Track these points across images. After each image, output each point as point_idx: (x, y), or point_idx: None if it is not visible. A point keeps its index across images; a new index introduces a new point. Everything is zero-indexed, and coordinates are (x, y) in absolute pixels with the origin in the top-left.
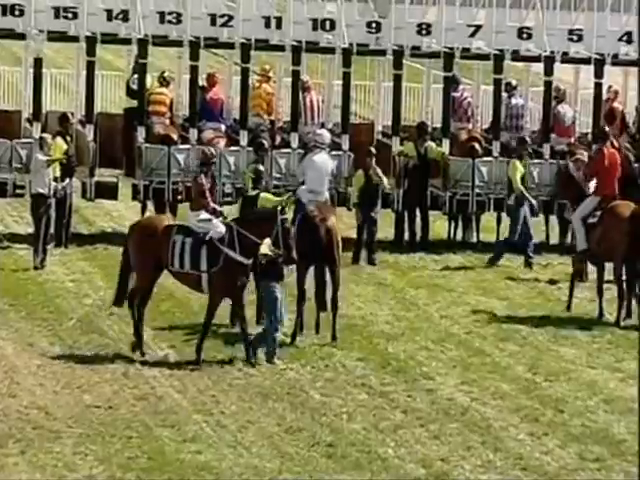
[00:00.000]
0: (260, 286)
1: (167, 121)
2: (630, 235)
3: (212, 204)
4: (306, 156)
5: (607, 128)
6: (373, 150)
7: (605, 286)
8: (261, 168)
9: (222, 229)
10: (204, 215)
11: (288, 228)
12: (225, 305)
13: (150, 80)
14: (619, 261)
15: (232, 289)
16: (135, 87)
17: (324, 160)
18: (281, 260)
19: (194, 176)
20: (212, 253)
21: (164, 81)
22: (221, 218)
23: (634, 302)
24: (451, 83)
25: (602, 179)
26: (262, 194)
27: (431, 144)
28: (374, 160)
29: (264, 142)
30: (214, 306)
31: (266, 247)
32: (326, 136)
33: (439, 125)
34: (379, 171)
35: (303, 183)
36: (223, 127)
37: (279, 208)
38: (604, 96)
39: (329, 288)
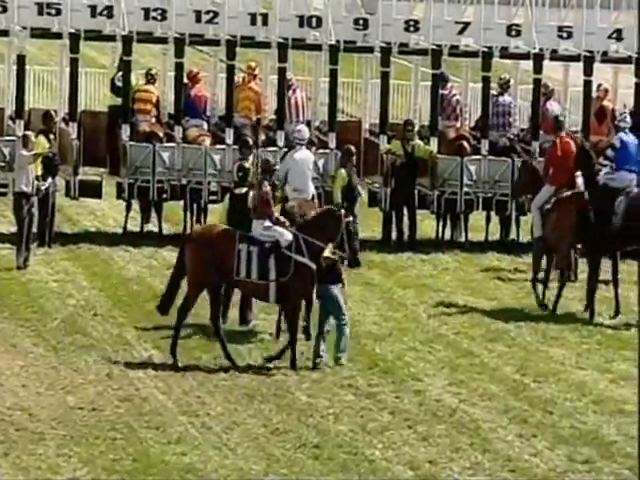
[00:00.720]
0: (321, 290)
1: (153, 119)
2: (578, 225)
3: (275, 212)
4: (287, 154)
5: (561, 118)
6: (353, 149)
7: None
8: (247, 165)
9: (289, 236)
10: (268, 223)
11: (352, 230)
12: (206, 305)
13: (134, 77)
14: (565, 250)
15: (306, 295)
16: (120, 84)
17: (305, 157)
18: (345, 262)
19: (258, 184)
20: (281, 262)
21: (151, 78)
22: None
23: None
24: (439, 81)
25: (556, 169)
26: (252, 193)
27: (419, 142)
28: (354, 159)
29: (248, 140)
30: (295, 314)
31: (328, 251)
32: (305, 132)
33: (427, 123)
34: (354, 177)
35: (285, 180)
36: (205, 125)
37: (343, 211)
38: (594, 94)
39: None
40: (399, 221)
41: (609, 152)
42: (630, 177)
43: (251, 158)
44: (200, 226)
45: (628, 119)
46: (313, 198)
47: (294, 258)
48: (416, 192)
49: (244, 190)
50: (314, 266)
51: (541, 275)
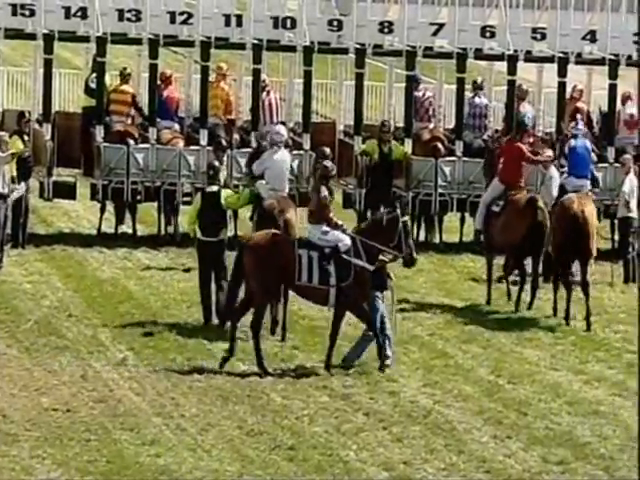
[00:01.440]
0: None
1: (128, 120)
2: (527, 227)
3: (333, 217)
4: (264, 154)
5: (526, 121)
6: (327, 151)
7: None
8: (216, 164)
9: (348, 241)
10: (326, 228)
11: (409, 230)
12: (182, 306)
13: (109, 78)
14: (511, 252)
15: (364, 299)
16: (93, 86)
17: (283, 157)
18: (402, 262)
19: (315, 189)
20: (341, 267)
21: (125, 76)
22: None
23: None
24: (412, 82)
25: (505, 166)
26: (224, 191)
27: (394, 143)
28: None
29: (222, 141)
30: (365, 316)
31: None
32: (283, 133)
33: (401, 124)
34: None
35: (261, 178)
36: (177, 126)
37: (398, 211)
38: (568, 95)
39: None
40: None
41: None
42: (580, 182)
43: (225, 159)
44: (257, 235)
45: (580, 126)
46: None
47: (353, 263)
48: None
49: (215, 189)
50: (372, 269)
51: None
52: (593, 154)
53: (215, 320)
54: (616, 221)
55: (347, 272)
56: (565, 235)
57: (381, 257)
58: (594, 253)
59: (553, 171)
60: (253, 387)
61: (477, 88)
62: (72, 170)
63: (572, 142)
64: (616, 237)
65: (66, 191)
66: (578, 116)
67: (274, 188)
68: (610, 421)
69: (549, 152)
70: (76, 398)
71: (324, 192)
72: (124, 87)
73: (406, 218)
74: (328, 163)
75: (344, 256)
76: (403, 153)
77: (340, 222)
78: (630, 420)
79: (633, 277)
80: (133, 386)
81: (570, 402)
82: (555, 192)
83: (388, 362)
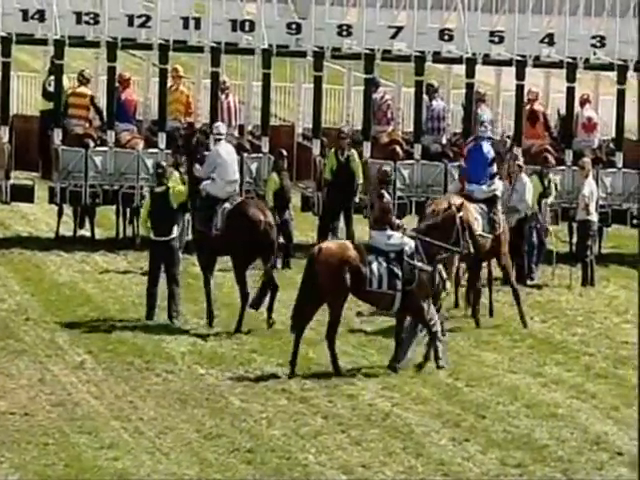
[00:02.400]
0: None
1: (87, 124)
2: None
3: (396, 220)
4: (210, 151)
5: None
6: (284, 152)
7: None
8: (164, 163)
9: (412, 243)
10: (390, 232)
11: (467, 224)
12: (142, 311)
13: (67, 81)
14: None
15: (425, 301)
16: (51, 89)
17: (229, 149)
18: (460, 255)
19: (378, 194)
20: (407, 271)
21: (83, 79)
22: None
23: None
24: (371, 85)
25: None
26: (173, 188)
27: (353, 153)
28: (286, 163)
29: (181, 144)
30: (424, 318)
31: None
32: (223, 127)
33: (360, 128)
34: (287, 181)
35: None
36: (134, 129)
37: (455, 207)
38: (526, 97)
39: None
40: (334, 228)
41: (462, 163)
42: (470, 188)
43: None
44: (326, 244)
45: (488, 127)
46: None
47: (418, 266)
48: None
49: (164, 188)
50: (431, 269)
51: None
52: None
53: (169, 319)
54: (574, 224)
55: (412, 276)
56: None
57: (439, 256)
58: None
59: (524, 177)
60: (211, 390)
61: (433, 92)
62: (30, 173)
63: (470, 147)
64: (574, 240)
65: (24, 194)
66: (486, 116)
67: (229, 180)
68: (568, 423)
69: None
70: (34, 402)
71: (386, 198)
72: (82, 90)
73: (462, 214)
74: (387, 168)
75: (409, 260)
76: (359, 165)
77: (401, 223)
78: (587, 422)
79: (591, 280)
80: (91, 389)
81: (528, 405)
82: (528, 197)
83: (441, 364)
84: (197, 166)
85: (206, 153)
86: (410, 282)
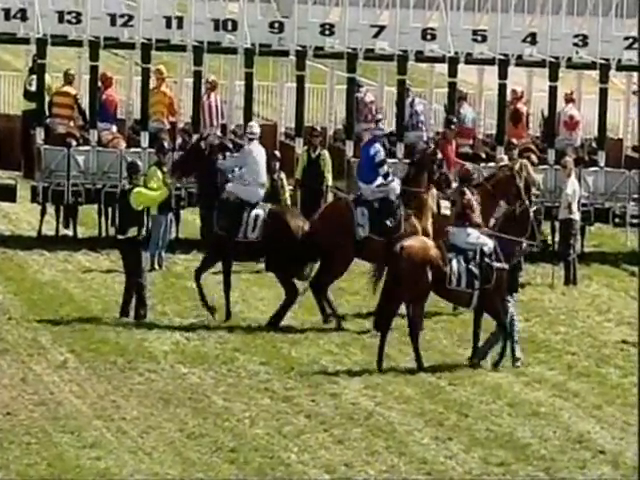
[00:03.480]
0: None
1: (71, 123)
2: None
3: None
4: (242, 148)
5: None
6: (277, 153)
7: None
8: (138, 162)
9: (492, 244)
10: (470, 230)
11: (540, 220)
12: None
13: (49, 80)
14: None
15: (501, 299)
16: (32, 89)
17: (261, 151)
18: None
19: (460, 191)
20: (485, 270)
21: (69, 78)
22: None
23: None
24: (355, 84)
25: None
26: (136, 189)
27: (324, 153)
28: (278, 164)
29: (164, 143)
30: (501, 316)
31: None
32: (256, 127)
33: (342, 126)
34: (284, 181)
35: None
36: (114, 128)
37: (527, 202)
38: (508, 97)
39: None
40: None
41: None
42: (362, 187)
43: (168, 162)
44: (408, 242)
45: (381, 129)
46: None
47: (495, 265)
48: (330, 195)
49: (130, 186)
50: (508, 267)
51: None
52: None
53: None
54: (557, 223)
55: (490, 274)
56: None
57: (517, 251)
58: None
59: None
60: (194, 390)
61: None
62: (12, 172)
63: (362, 145)
64: (556, 239)
65: (6, 193)
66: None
67: (258, 182)
68: (550, 422)
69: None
70: (16, 401)
71: (468, 195)
72: (67, 89)
73: (535, 208)
74: (470, 166)
75: (487, 260)
76: (328, 166)
77: (479, 221)
78: (570, 421)
79: (574, 279)
80: (74, 389)
81: (511, 403)
82: None
83: (519, 364)
84: (220, 160)
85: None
86: (487, 281)
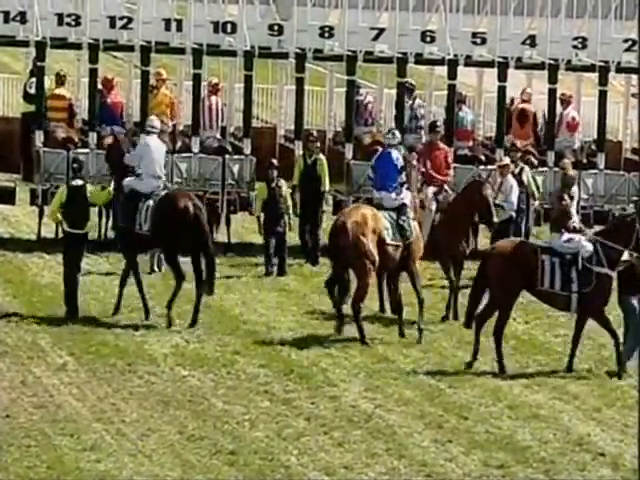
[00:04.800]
0: (622, 301)
1: (67, 125)
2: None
3: (575, 223)
4: (138, 142)
5: (439, 124)
6: (275, 162)
7: None
8: (81, 158)
9: (590, 247)
10: (567, 235)
11: None
12: (124, 313)
13: (48, 83)
14: (443, 260)
15: (604, 305)
16: (32, 91)
17: (158, 145)
18: None
19: (558, 196)
20: (583, 273)
21: (60, 79)
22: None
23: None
24: (355, 87)
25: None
26: (89, 187)
27: (321, 158)
28: (275, 172)
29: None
30: (606, 322)
31: (626, 254)
32: (157, 121)
33: (341, 129)
34: (284, 189)
35: (133, 172)
36: (122, 131)
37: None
38: (513, 99)
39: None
40: (304, 229)
41: (369, 172)
42: (378, 195)
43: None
44: (502, 242)
45: (397, 134)
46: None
47: (596, 270)
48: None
49: (80, 182)
50: (614, 274)
51: None
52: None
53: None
54: None
55: (589, 278)
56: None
57: (626, 256)
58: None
59: (511, 179)
60: (194, 392)
61: (409, 91)
62: (11, 175)
63: (378, 153)
64: None
65: (5, 196)
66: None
67: (153, 174)
68: (550, 425)
69: (507, 159)
70: (16, 404)
71: (566, 201)
72: (61, 92)
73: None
74: (571, 172)
75: (586, 264)
76: (326, 171)
77: (580, 225)
78: (570, 424)
79: None
80: (73, 391)
81: (511, 406)
82: (513, 199)
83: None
84: (127, 156)
85: None
86: (586, 284)
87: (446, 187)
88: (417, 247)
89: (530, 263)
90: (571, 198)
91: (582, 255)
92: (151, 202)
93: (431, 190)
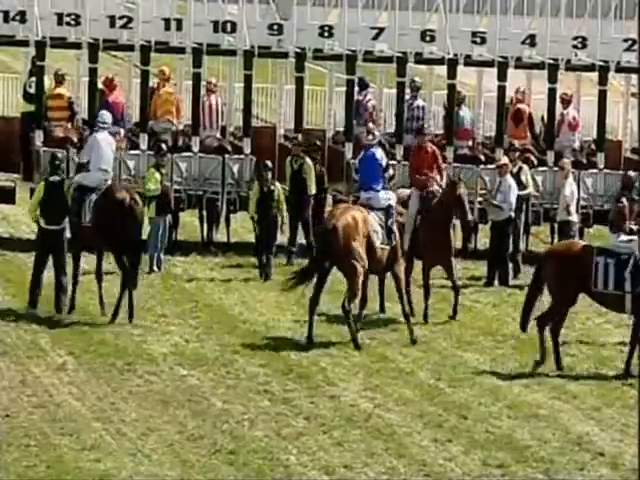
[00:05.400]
0: None
1: (68, 125)
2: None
3: (631, 224)
4: (88, 140)
5: (426, 125)
6: (269, 164)
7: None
8: (59, 155)
9: None
10: (624, 236)
11: None
12: (123, 312)
13: (48, 83)
14: (423, 262)
15: None
16: (31, 90)
17: (108, 139)
18: None
19: (616, 198)
20: (637, 273)
21: (60, 78)
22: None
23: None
24: (361, 86)
25: (415, 173)
26: (67, 182)
27: (307, 162)
28: (269, 174)
29: (163, 146)
30: None
31: None
32: (108, 116)
33: (342, 129)
34: (277, 191)
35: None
36: (122, 131)
37: None
38: (512, 98)
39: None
40: (295, 229)
41: (354, 174)
42: (366, 195)
43: (167, 164)
44: (558, 244)
45: (375, 133)
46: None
47: None
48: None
49: (58, 178)
50: None
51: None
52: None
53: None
54: (556, 225)
55: None
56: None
57: None
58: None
59: (509, 179)
60: (193, 391)
61: (415, 89)
62: (11, 175)
63: (362, 154)
64: (555, 241)
65: (5, 195)
66: (370, 125)
67: (102, 168)
68: (550, 424)
69: (505, 159)
70: (15, 403)
71: (623, 202)
72: (60, 91)
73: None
74: (632, 173)
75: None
76: (313, 175)
77: (634, 227)
78: (569, 423)
79: None
80: (73, 391)
81: (510, 405)
82: (512, 199)
83: None
84: (79, 155)
85: None
86: (638, 285)
87: (437, 188)
88: (398, 249)
89: (584, 265)
90: (632, 200)
91: (636, 256)
92: (94, 196)
93: (415, 193)
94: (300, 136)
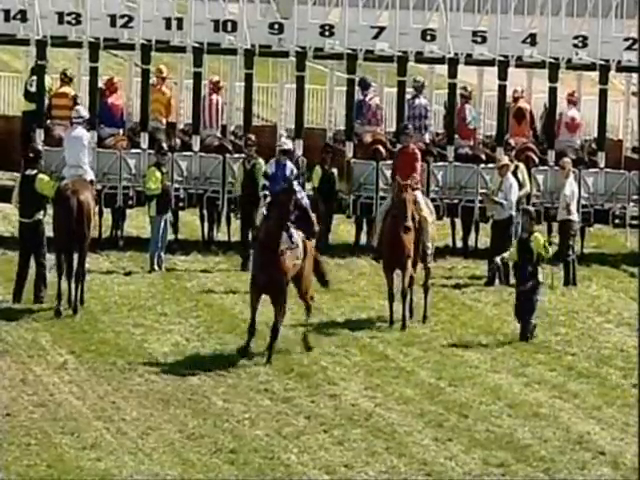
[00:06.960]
0: None
1: (69, 123)
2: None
3: None
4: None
5: (409, 127)
6: (252, 137)
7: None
8: (38, 147)
9: None
10: None
11: None
12: (124, 311)
13: (49, 82)
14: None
15: None
16: (33, 89)
17: (79, 134)
18: None
19: None
20: None
21: (66, 78)
22: None
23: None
24: (363, 85)
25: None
26: (40, 175)
27: (260, 162)
28: (253, 149)
29: (163, 145)
30: None
31: None
32: (83, 110)
33: (342, 127)
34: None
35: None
36: (121, 132)
37: None
38: (511, 96)
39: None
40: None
41: (264, 181)
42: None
43: (167, 163)
44: None
45: (288, 142)
46: (92, 182)
47: None
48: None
49: (34, 172)
50: None
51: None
52: None
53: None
54: (556, 224)
55: None
56: None
57: None
58: None
59: (511, 178)
60: (194, 391)
61: (419, 88)
62: (12, 173)
63: (272, 161)
64: (556, 240)
65: (6, 194)
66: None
67: (72, 164)
68: (550, 423)
69: (505, 159)
70: (16, 402)
71: None
72: (65, 90)
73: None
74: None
75: None
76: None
77: None
78: (570, 422)
79: (573, 280)
80: (73, 390)
81: (511, 404)
82: (514, 198)
83: None
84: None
85: None
86: None
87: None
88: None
89: None
90: None
91: None
92: None
93: (391, 194)
94: (253, 136)
